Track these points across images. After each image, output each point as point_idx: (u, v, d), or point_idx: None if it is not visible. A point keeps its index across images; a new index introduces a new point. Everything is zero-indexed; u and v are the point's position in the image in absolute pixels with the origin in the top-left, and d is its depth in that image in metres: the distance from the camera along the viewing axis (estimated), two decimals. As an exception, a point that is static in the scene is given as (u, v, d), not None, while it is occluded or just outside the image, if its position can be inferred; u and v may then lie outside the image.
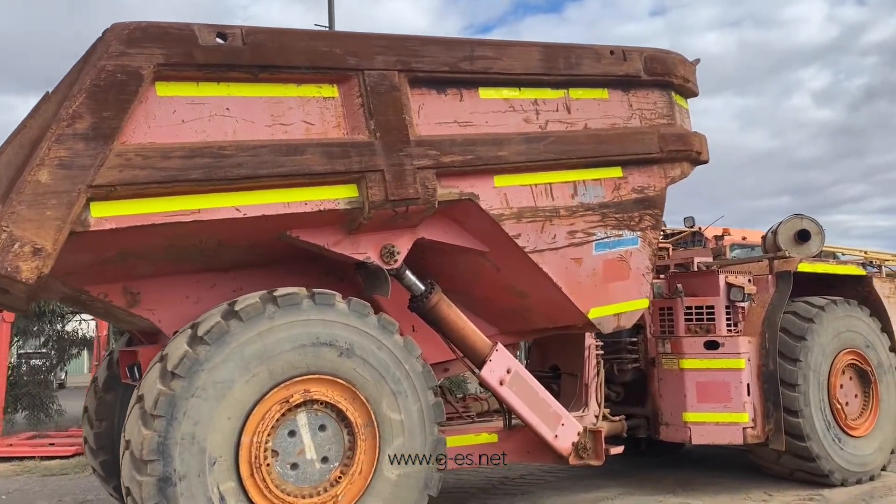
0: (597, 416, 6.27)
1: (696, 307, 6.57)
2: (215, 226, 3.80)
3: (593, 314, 5.25)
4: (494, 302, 5.39)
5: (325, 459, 4.06)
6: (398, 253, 4.48)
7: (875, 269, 8.19)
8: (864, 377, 6.88)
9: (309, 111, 4.01)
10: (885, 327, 7.28)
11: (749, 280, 6.75)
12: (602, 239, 5.12)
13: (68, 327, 14.94)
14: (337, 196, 4.01)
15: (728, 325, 6.51)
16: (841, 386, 6.71)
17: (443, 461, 4.42)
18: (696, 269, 7.20)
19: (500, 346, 5.02)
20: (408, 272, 4.70)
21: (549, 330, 5.73)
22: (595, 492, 6.58)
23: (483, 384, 5.08)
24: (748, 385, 6.32)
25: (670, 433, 6.54)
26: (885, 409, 6.93)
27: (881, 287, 7.44)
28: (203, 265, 4.51)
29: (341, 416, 4.11)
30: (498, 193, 4.60)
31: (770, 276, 6.72)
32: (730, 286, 6.55)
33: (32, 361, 15.26)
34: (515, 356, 6.10)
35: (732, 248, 9.17)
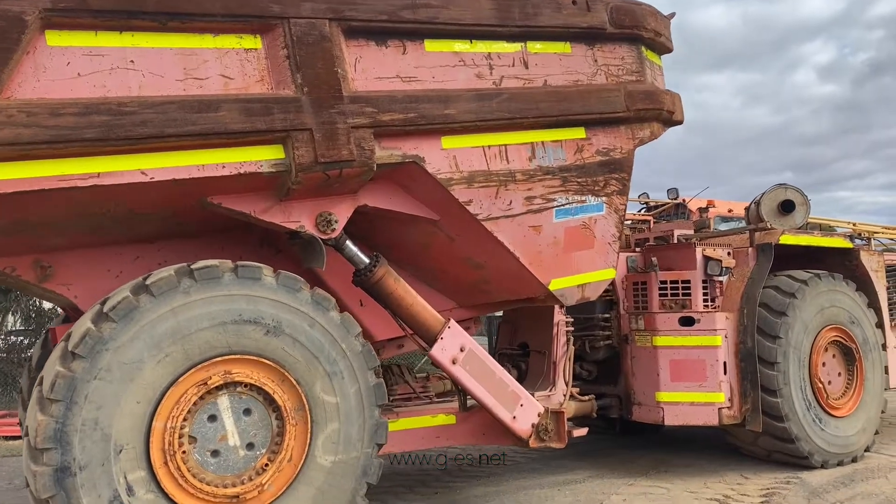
0: (565, 396, 5.97)
1: (672, 282, 6.22)
2: (121, 191, 3.43)
3: (555, 285, 4.91)
4: (450, 274, 5.05)
5: (250, 446, 3.74)
6: (336, 221, 4.12)
7: (864, 242, 7.83)
8: (849, 355, 6.56)
9: (227, 64, 3.61)
10: (873, 303, 6.95)
11: (728, 253, 6.39)
12: (563, 205, 4.76)
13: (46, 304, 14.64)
14: (259, 158, 3.63)
15: (705, 301, 6.18)
16: (823, 364, 6.39)
17: (383, 446, 4.10)
18: (675, 242, 6.84)
19: (452, 322, 4.67)
20: (349, 243, 4.35)
21: (509, 303, 5.40)
22: (564, 474, 6.30)
23: (434, 363, 4.75)
24: (724, 363, 6.00)
25: (643, 413, 6.24)
26: (870, 388, 6.61)
27: (869, 261, 7.09)
28: (124, 236, 4.15)
29: (269, 400, 3.78)
30: (446, 156, 4.23)
31: (750, 249, 6.37)
32: (707, 259, 6.20)
33: (11, 338, 14.99)
34: (476, 330, 5.78)
35: (718, 221, 8.81)
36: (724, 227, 8.61)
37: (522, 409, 4.95)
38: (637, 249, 6.81)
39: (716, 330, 6.02)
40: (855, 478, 5.87)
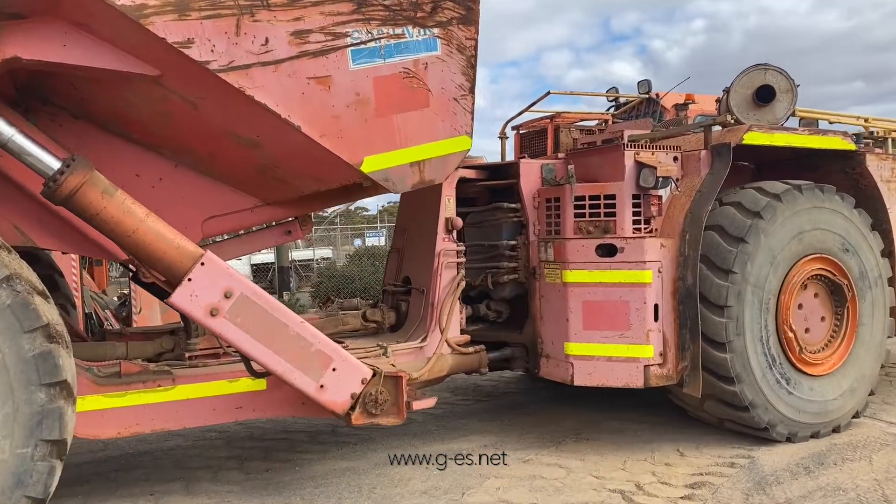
0: (449, 346, 4.59)
1: (591, 197, 4.64)
2: None
3: (371, 165, 3.47)
4: (222, 159, 3.60)
5: None
6: None
7: (878, 145, 6.01)
8: (838, 293, 4.94)
9: None
10: (880, 223, 5.26)
11: (675, 158, 4.76)
12: (364, 43, 3.27)
13: None
14: None
15: (636, 223, 4.59)
16: (799, 306, 4.80)
17: (57, 444, 2.79)
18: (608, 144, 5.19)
19: (209, 256, 3.26)
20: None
21: (328, 196, 3.96)
22: (454, 441, 4.96)
23: (184, 315, 3.39)
24: (656, 306, 4.48)
25: (550, 369, 4.80)
26: (865, 336, 5.01)
27: (879, 168, 5.35)
28: None
29: None
30: None
31: (703, 153, 4.71)
32: (640, 167, 4.58)
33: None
34: (304, 234, 4.35)
35: (700, 120, 7.02)
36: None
37: (336, 375, 3.58)
38: (559, 156, 5.22)
39: (645, 262, 4.47)
40: (826, 459, 4.38)
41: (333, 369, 3.57)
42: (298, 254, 23.55)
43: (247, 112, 3.12)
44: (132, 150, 3.51)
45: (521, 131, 6.88)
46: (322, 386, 3.55)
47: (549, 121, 6.41)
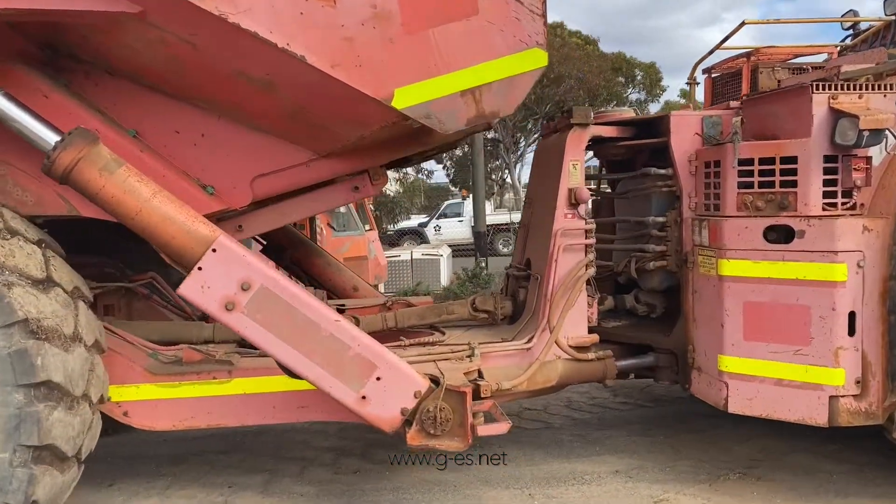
0: (561, 349, 3.74)
1: (763, 160, 3.39)
2: None
3: (404, 99, 2.70)
4: (249, 107, 3.12)
5: None
6: None
7: None
8: None
9: None
10: None
11: (899, 102, 3.31)
12: None
13: None
14: None
15: (829, 196, 3.27)
16: None
17: (42, 450, 2.54)
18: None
19: (223, 241, 2.80)
20: None
21: (390, 144, 3.31)
22: (579, 461, 4.10)
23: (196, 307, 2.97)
24: (852, 314, 3.18)
25: (702, 386, 3.70)
26: None
27: None
28: None
29: None
30: None
31: (944, 91, 3.20)
32: (836, 117, 3.23)
33: None
34: (377, 190, 3.79)
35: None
36: None
37: (381, 386, 2.97)
38: (730, 105, 3.97)
39: (837, 252, 3.17)
40: None
41: (378, 378, 2.95)
42: (518, 216, 23.05)
43: (242, 45, 2.57)
44: (169, 104, 3.17)
45: (712, 74, 5.55)
46: (364, 397, 2.95)
47: (745, 59, 5.04)
